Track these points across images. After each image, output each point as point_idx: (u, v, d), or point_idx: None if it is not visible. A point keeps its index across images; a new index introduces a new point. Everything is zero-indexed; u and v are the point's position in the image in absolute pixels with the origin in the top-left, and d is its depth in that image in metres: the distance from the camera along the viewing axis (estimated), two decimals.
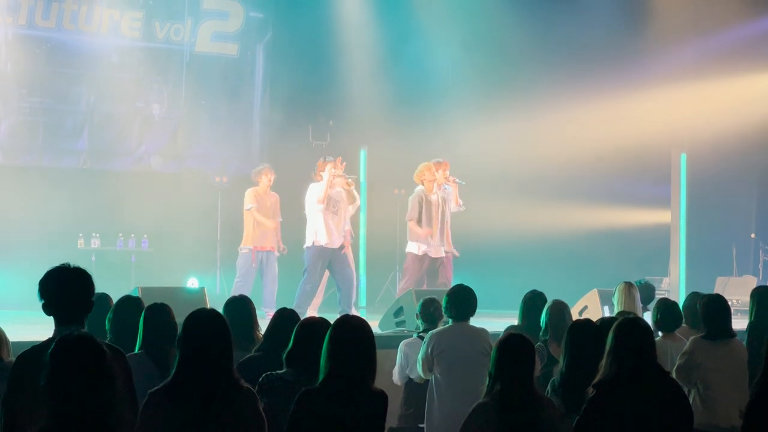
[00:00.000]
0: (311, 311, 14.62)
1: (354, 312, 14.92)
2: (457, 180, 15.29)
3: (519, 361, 5.85)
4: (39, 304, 5.44)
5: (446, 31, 19.82)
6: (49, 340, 5.21)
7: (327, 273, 15.18)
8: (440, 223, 15.03)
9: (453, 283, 9.11)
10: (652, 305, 10.60)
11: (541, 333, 8.89)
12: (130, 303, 7.65)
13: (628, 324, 6.02)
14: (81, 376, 4.35)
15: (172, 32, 19.18)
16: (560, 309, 8.99)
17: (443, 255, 15.05)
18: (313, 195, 14.84)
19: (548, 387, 6.95)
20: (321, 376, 5.51)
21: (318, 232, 14.76)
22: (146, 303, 7.41)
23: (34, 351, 5.19)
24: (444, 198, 15.16)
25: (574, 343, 6.85)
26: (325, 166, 14.92)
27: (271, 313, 14.39)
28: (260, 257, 15.39)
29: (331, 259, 14.90)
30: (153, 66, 19.10)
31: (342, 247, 14.93)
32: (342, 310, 14.31)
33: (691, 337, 8.40)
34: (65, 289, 5.35)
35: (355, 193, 15.31)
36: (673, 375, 7.37)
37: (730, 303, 8.69)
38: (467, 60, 19.84)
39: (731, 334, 8.36)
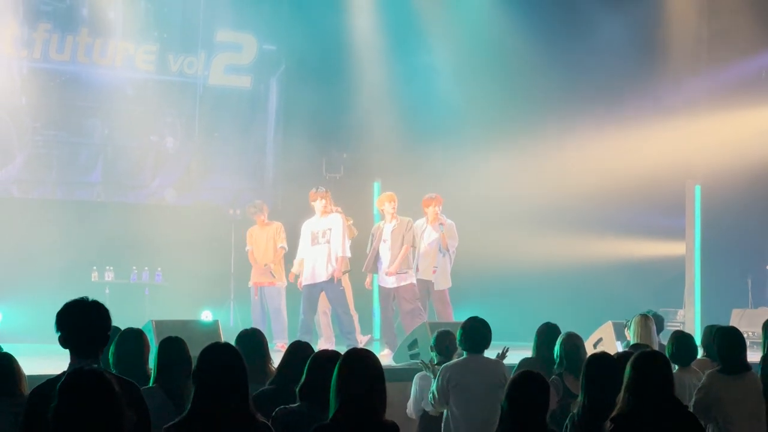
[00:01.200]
0: (326, 344, 14.72)
1: (360, 340, 15.02)
2: (442, 223, 15.51)
3: (532, 400, 5.80)
4: (54, 337, 5.44)
5: (460, 65, 19.86)
6: (64, 374, 5.19)
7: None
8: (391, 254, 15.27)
9: (466, 315, 9.07)
10: (664, 338, 10.58)
11: (555, 366, 8.83)
12: (130, 336, 7.60)
13: (645, 357, 5.99)
14: (88, 410, 4.32)
15: (185, 65, 19.25)
16: (574, 341, 8.93)
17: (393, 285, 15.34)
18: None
19: (567, 421, 6.89)
20: (331, 412, 5.48)
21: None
22: (160, 336, 7.40)
23: (49, 385, 5.18)
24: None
25: (592, 376, 6.79)
26: (317, 197, 15.28)
27: (282, 345, 14.49)
28: (260, 292, 16.07)
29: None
30: (167, 99, 19.16)
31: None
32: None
33: (707, 372, 8.34)
34: (82, 323, 5.35)
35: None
36: (691, 410, 7.32)
37: (745, 335, 8.66)
38: (480, 93, 19.84)
39: (747, 367, 8.30)
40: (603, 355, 7.05)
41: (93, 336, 5.37)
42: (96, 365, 5.18)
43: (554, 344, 9.04)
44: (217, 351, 5.37)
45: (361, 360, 5.57)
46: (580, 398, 6.84)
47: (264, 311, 15.97)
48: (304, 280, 15.23)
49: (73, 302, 5.42)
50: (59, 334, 5.40)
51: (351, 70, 19.67)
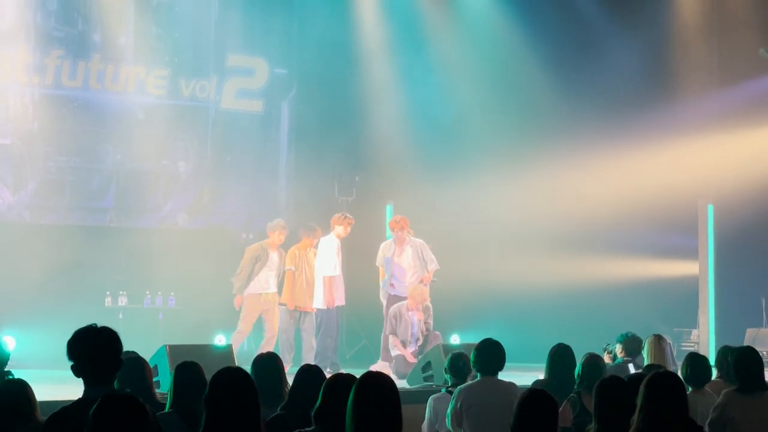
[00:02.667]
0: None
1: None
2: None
3: (540, 419, 5.78)
4: (66, 362, 5.45)
5: (473, 87, 19.86)
6: (79, 401, 5.20)
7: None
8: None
9: (480, 338, 9.07)
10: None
11: (576, 385, 8.82)
12: (128, 363, 7.58)
13: (659, 378, 5.97)
14: None
15: (197, 89, 19.30)
16: (595, 361, 8.94)
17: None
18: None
19: None
20: None
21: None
22: (174, 361, 7.40)
23: (65, 412, 5.19)
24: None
25: (604, 401, 6.75)
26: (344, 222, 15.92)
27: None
28: (301, 316, 16.34)
29: None
30: (179, 123, 19.21)
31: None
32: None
33: (724, 391, 8.32)
34: (94, 350, 5.36)
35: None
36: (706, 429, 7.29)
37: (761, 354, 8.62)
38: (493, 115, 19.88)
39: (764, 386, 8.28)
40: (614, 379, 7.02)
41: (104, 362, 5.38)
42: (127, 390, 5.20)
43: (567, 365, 9.04)
44: (228, 375, 5.37)
45: (377, 384, 5.53)
46: (593, 424, 6.79)
47: (296, 335, 16.07)
48: (336, 300, 15.52)
49: (82, 330, 5.43)
50: (71, 363, 5.41)
51: (362, 93, 19.69)
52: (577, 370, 8.88)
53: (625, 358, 11.06)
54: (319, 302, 15.79)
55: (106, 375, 5.36)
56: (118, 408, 4.40)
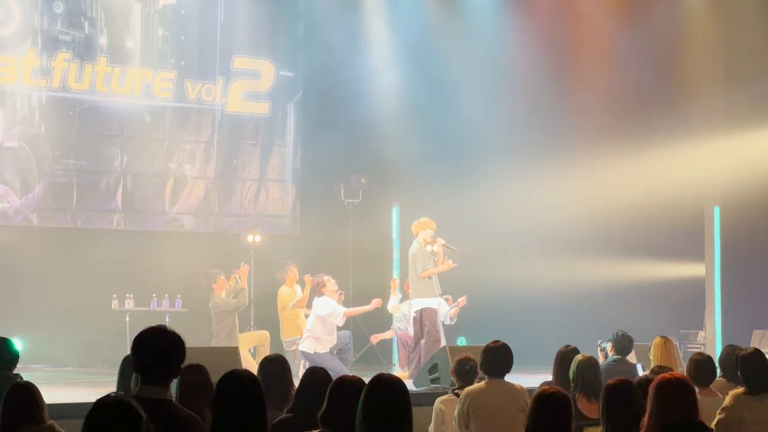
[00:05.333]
0: None
1: None
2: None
3: (555, 417, 5.77)
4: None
5: (479, 89, 19.85)
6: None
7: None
8: None
9: (487, 340, 9.05)
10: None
11: (571, 388, 8.80)
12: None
13: (668, 381, 5.95)
14: None
15: (203, 92, 19.33)
16: (590, 363, 8.89)
17: None
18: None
19: None
20: None
21: None
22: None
23: None
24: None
25: (612, 405, 6.70)
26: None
27: None
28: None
29: None
30: (185, 126, 19.25)
31: None
32: None
33: (731, 392, 8.31)
34: (155, 351, 5.43)
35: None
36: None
37: (766, 356, 8.61)
38: (499, 117, 19.88)
39: None
40: (622, 382, 7.00)
41: (163, 365, 5.43)
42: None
43: None
44: (235, 378, 5.37)
45: (388, 387, 5.52)
46: (601, 427, 6.75)
47: None
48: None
49: (150, 330, 5.49)
50: (133, 358, 5.48)
51: (368, 94, 19.70)
52: (571, 372, 8.81)
53: (615, 356, 11.03)
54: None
55: (161, 376, 5.41)
56: (110, 414, 4.37)
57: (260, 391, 5.32)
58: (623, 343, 11.18)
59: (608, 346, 11.41)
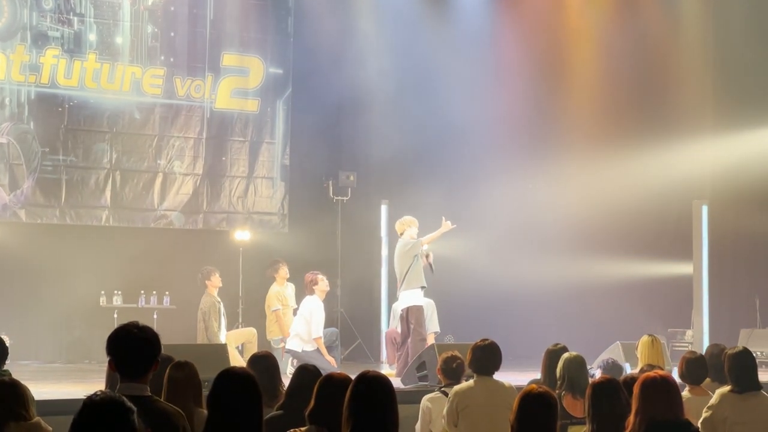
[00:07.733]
0: None
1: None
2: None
3: (539, 416, 5.77)
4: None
5: (468, 85, 19.86)
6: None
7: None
8: None
9: (475, 338, 9.04)
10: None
11: (557, 386, 8.78)
12: None
13: (653, 379, 5.96)
14: None
15: (192, 89, 19.32)
16: (576, 361, 8.85)
17: None
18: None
19: None
20: None
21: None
22: (169, 360, 7.40)
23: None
24: None
25: (597, 403, 6.70)
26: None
27: None
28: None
29: None
30: (174, 123, 19.23)
31: None
32: None
33: (718, 390, 8.32)
34: (130, 347, 5.42)
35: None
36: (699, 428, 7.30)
37: (754, 355, 8.62)
38: (488, 115, 19.89)
39: (757, 387, 8.28)
40: (607, 381, 7.02)
41: (140, 359, 5.41)
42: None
43: None
44: (233, 376, 5.37)
45: (373, 384, 5.52)
46: (587, 426, 6.76)
47: None
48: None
49: (122, 327, 5.47)
50: (109, 358, 5.45)
51: (357, 92, 19.67)
52: (558, 371, 8.78)
53: None
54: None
55: (139, 371, 5.39)
56: (101, 412, 4.34)
57: (258, 389, 5.32)
58: (612, 373, 11.18)
59: (597, 373, 11.39)
